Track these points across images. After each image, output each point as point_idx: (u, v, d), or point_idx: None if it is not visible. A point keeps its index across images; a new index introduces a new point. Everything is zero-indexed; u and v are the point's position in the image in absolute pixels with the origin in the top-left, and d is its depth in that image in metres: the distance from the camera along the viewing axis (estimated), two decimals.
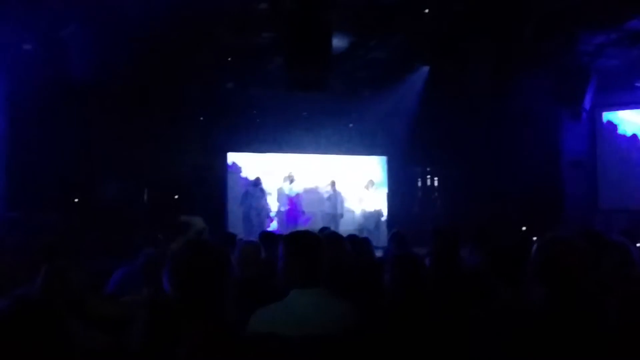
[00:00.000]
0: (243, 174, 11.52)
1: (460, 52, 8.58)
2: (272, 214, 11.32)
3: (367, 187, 11.62)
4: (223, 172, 11.32)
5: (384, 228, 11.34)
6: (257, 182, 11.09)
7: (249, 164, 11.51)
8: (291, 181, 11.24)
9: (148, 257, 3.46)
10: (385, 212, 11.77)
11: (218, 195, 11.12)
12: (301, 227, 10.30)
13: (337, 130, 11.65)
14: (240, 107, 10.94)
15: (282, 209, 11.15)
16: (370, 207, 11.64)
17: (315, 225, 10.63)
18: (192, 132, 10.78)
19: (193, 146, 10.85)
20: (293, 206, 11.21)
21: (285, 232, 4.09)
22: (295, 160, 11.61)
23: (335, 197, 11.36)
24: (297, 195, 11.29)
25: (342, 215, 11.29)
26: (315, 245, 2.66)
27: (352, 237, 4.91)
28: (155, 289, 2.66)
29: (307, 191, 11.57)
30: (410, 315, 2.86)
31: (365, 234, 9.95)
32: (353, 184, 11.78)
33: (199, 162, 11.00)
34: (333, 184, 11.39)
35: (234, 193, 11.26)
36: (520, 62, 8.71)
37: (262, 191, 11.06)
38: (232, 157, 11.48)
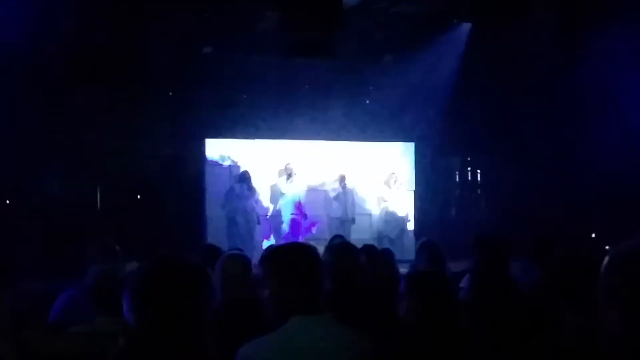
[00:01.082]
0: (226, 167, 11.59)
1: (513, 3, 8.58)
2: (266, 217, 11.38)
3: (387, 184, 11.69)
4: (200, 165, 11.39)
5: (410, 237, 11.50)
6: (244, 178, 11.13)
7: (233, 153, 11.61)
8: (289, 176, 11.24)
9: (99, 277, 3.48)
10: (411, 216, 11.90)
11: (193, 195, 11.21)
12: (305, 237, 10.77)
13: (349, 109, 11.64)
14: (221, 79, 10.96)
15: (282, 214, 11.23)
16: (392, 210, 11.74)
17: (321, 233, 11.11)
18: (159, 112, 10.82)
19: (160, 131, 10.97)
20: (293, 209, 11.29)
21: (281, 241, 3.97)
22: (294, 149, 11.71)
23: (345, 197, 11.45)
24: (298, 194, 11.38)
25: (354, 221, 11.42)
26: (315, 264, 2.72)
27: (368, 249, 4.99)
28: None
29: (310, 189, 11.65)
30: (439, 352, 2.86)
31: (385, 244, 10.10)
32: (369, 179, 11.87)
33: (167, 151, 11.16)
34: (343, 179, 11.47)
35: (214, 192, 11.32)
36: (596, 16, 8.60)
37: (251, 189, 11.12)
38: (211, 144, 11.57)
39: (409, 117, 11.78)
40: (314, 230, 11.65)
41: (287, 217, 11.41)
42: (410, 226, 12.01)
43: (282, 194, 11.53)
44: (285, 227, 11.43)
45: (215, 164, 11.63)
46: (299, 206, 11.45)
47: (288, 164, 11.45)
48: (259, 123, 11.42)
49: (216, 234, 10.71)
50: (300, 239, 10.72)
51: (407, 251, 10.14)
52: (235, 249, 5.34)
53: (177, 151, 11.15)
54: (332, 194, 11.57)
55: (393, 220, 11.71)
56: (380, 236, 11.48)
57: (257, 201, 11.46)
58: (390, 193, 11.73)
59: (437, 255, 5.38)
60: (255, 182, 11.33)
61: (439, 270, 4.15)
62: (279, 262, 2.74)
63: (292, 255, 2.75)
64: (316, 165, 11.84)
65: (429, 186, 12.06)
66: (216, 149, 11.67)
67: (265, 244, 10.65)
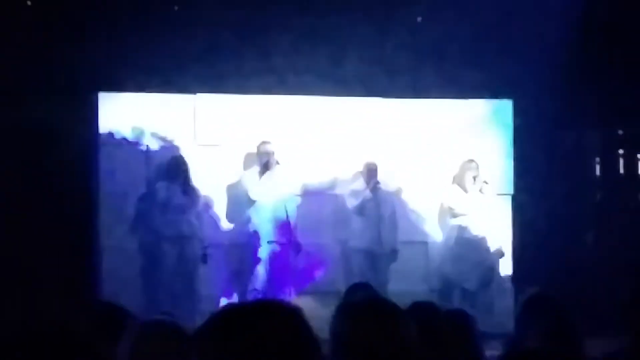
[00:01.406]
0: (140, 148, 8.90)
1: None
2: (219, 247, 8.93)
3: (461, 182, 9.08)
4: (87, 143, 8.71)
5: (504, 285, 9.08)
6: (175, 170, 8.60)
7: (154, 121, 8.95)
8: (264, 167, 8.42)
9: None
10: (507, 245, 9.19)
11: (75, 202, 8.58)
12: (300, 289, 8.62)
13: (384, 37, 9.08)
14: None
15: (253, 242, 8.73)
16: (471, 232, 9.13)
17: (331, 279, 8.63)
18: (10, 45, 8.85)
19: (17, 83, 8.76)
20: (274, 231, 8.49)
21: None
22: (276, 114, 9.10)
23: (378, 208, 8.89)
24: (282, 202, 8.51)
25: (395, 255, 8.86)
26: (302, 350, 2.26)
27: (423, 312, 3.99)
28: None
29: (307, 193, 9.01)
30: None
31: (457, 302, 8.63)
32: (425, 173, 9.31)
33: (31, 114, 8.70)
34: (372, 173, 8.88)
35: (115, 196, 8.73)
36: None
37: (190, 193, 8.57)
38: (109, 102, 8.86)
39: (501, 51, 9.12)
40: (317, 274, 8.84)
41: (263, 247, 8.64)
42: (506, 264, 9.27)
43: (251, 202, 8.69)
44: (260, 269, 8.58)
45: (119, 141, 8.73)
46: (284, 226, 8.52)
47: (263, 143, 8.63)
48: (208, 62, 8.71)
49: (119, 280, 8.27)
50: (288, 294, 8.50)
51: (498, 314, 8.42)
52: (160, 313, 4.37)
53: (48, 115, 8.46)
54: (352, 202, 8.96)
55: (472, 254, 8.95)
56: (446, 285, 9.06)
57: (202, 216, 8.71)
58: (467, 200, 9.04)
59: (562, 324, 4.17)
60: (198, 178, 8.67)
61: (568, 354, 3.55)
62: (225, 346, 2.28)
63: (254, 332, 2.28)
64: (319, 146, 9.12)
65: (542, 187, 9.08)
66: (120, 111, 8.74)
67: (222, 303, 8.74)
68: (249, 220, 8.76)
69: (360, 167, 9.05)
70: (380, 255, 8.85)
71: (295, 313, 2.38)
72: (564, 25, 9.28)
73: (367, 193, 8.92)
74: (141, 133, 8.80)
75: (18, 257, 8.62)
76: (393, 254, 8.90)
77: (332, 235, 9.15)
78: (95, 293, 8.37)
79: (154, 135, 8.81)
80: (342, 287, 6.99)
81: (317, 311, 8.07)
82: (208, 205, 8.89)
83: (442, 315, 4.46)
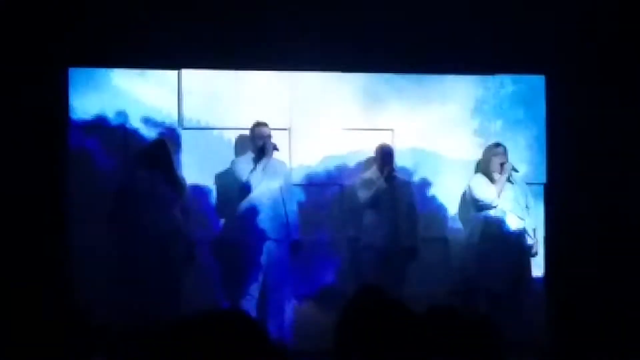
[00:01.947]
0: (116, 129, 8.12)
1: None
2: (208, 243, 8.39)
3: (487, 170, 8.29)
4: (57, 120, 7.94)
5: (536, 289, 8.34)
6: (159, 155, 7.87)
7: (132, 98, 8.14)
8: (260, 152, 7.72)
9: None
10: (539, 243, 8.35)
11: (40, 195, 7.75)
12: (302, 293, 8.15)
13: (400, 6, 8.29)
14: None
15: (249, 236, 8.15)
16: (497, 227, 8.28)
17: (339, 278, 8.08)
18: None
19: None
20: (272, 225, 7.84)
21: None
22: (272, 90, 8.30)
23: (393, 199, 8.14)
24: (279, 190, 7.95)
25: (413, 253, 8.07)
26: None
27: (441, 316, 3.79)
28: None
29: (311, 183, 8.26)
30: None
31: (481, 306, 7.97)
32: (445, 160, 8.57)
33: None
34: (386, 158, 8.11)
35: (87, 187, 7.83)
36: None
37: (175, 181, 7.80)
38: (81, 78, 8.11)
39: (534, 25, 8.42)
40: (321, 276, 8.13)
41: (258, 246, 7.95)
42: (538, 264, 8.37)
43: (244, 194, 7.81)
44: (254, 271, 7.86)
45: (92, 124, 7.91)
46: (283, 221, 7.89)
47: (258, 125, 7.83)
48: (195, 33, 7.91)
49: (92, 283, 7.42)
50: (288, 300, 7.85)
51: (528, 321, 7.80)
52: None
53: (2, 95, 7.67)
54: (364, 194, 8.15)
55: (498, 251, 8.09)
56: (470, 287, 8.19)
57: (189, 209, 7.82)
58: (493, 190, 8.19)
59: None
60: (183, 166, 7.96)
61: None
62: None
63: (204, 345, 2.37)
64: (324, 129, 8.23)
65: (579, 175, 8.18)
66: (93, 89, 7.90)
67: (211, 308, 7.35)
68: (242, 214, 7.77)
69: (373, 152, 8.29)
70: (396, 253, 8.04)
71: (252, 325, 2.35)
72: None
73: (382, 182, 8.17)
74: (118, 114, 7.78)
75: None
76: (411, 252, 8.13)
77: (340, 232, 8.35)
78: (65, 298, 7.01)
79: (132, 116, 7.81)
80: (350, 291, 6.04)
81: (321, 318, 7.35)
82: (195, 197, 7.85)
83: (462, 322, 4.03)
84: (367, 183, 8.13)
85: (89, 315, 5.23)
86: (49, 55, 7.63)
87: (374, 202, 8.10)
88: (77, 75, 7.89)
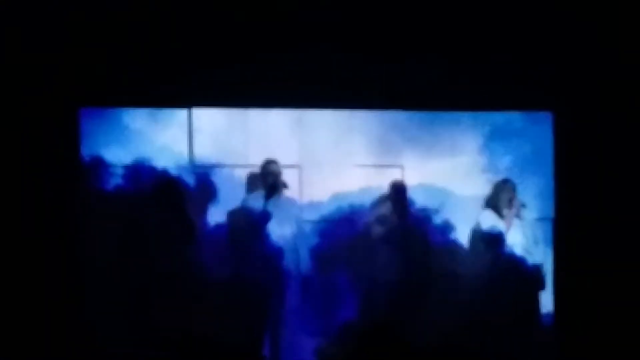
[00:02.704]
0: (127, 171, 8.01)
1: None
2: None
3: (497, 206, 8.32)
4: (68, 161, 7.93)
5: (546, 324, 8.27)
6: (166, 196, 7.84)
7: (138, 136, 8.15)
8: (271, 190, 7.73)
9: None
10: (549, 277, 8.31)
11: (52, 232, 7.67)
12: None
13: (410, 44, 8.20)
14: None
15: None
16: (509, 263, 8.27)
17: (348, 320, 7.86)
18: None
19: None
20: (288, 264, 7.92)
21: None
22: (283, 127, 8.25)
23: (406, 234, 8.17)
24: (296, 233, 8.00)
25: (426, 288, 8.04)
26: None
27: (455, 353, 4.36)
28: None
29: (323, 219, 8.19)
30: None
31: (490, 341, 7.91)
32: (457, 194, 8.39)
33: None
34: (398, 193, 8.13)
35: (98, 227, 7.72)
36: None
37: (185, 222, 7.74)
38: (92, 118, 8.05)
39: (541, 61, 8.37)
40: (334, 313, 7.99)
41: (270, 283, 7.93)
42: (547, 299, 8.32)
43: (256, 231, 7.86)
44: (268, 309, 7.88)
45: (103, 163, 7.88)
46: (295, 258, 7.90)
47: (269, 162, 7.88)
48: (205, 71, 7.89)
49: (104, 323, 7.42)
50: (300, 342, 7.85)
51: (538, 357, 8.00)
52: None
53: (13, 136, 7.61)
54: (377, 230, 8.14)
55: (507, 286, 8.13)
56: (479, 322, 7.96)
57: (200, 248, 7.74)
58: (502, 225, 8.25)
59: None
60: (194, 203, 7.83)
61: None
62: None
63: None
64: (336, 166, 8.25)
65: (587, 209, 8.16)
66: (104, 129, 7.90)
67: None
68: (253, 252, 7.72)
69: (387, 189, 8.31)
70: (409, 290, 7.98)
71: None
72: (608, 30, 8.16)
73: (395, 219, 8.27)
74: (128, 153, 7.76)
75: None
76: (423, 288, 8.09)
77: (353, 269, 8.23)
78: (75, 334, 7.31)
79: (143, 155, 7.77)
80: (363, 328, 6.58)
81: (335, 355, 7.50)
82: (206, 236, 7.77)
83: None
84: (381, 219, 8.04)
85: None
86: (59, 96, 7.58)
87: (388, 238, 8.16)
88: (88, 115, 7.75)
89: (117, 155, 7.90)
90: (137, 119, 7.88)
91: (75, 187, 7.70)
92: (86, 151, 7.80)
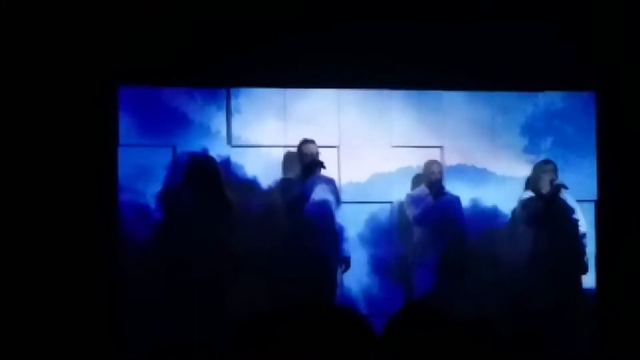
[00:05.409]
0: (164, 150, 8.01)
1: None
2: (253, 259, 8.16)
3: (536, 185, 8.20)
4: (105, 138, 7.94)
5: (589, 306, 8.22)
6: (203, 176, 7.79)
7: (176, 115, 8.11)
8: (308, 170, 7.66)
9: None
10: (592, 260, 8.26)
11: (90, 204, 7.69)
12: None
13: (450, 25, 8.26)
14: None
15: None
16: (550, 246, 8.11)
17: (383, 301, 8.09)
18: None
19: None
20: (325, 245, 7.85)
21: None
22: (321, 107, 8.17)
23: (442, 215, 8.15)
24: (332, 214, 7.89)
25: (462, 270, 8.05)
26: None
27: (486, 328, 3.97)
28: None
29: (358, 199, 8.18)
30: None
31: (531, 323, 7.76)
32: (496, 174, 8.41)
33: (39, 111, 7.85)
34: (433, 173, 8.13)
35: (135, 204, 7.90)
36: None
37: (222, 202, 7.77)
38: (130, 97, 8.09)
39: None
40: (369, 293, 8.14)
41: (306, 262, 7.86)
42: (589, 281, 8.31)
43: (292, 211, 7.80)
44: (303, 287, 7.78)
45: (140, 142, 7.88)
46: (331, 238, 7.82)
47: (306, 142, 7.82)
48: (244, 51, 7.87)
49: (141, 303, 7.47)
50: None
51: (579, 339, 7.88)
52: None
53: (50, 114, 7.54)
54: (412, 211, 8.10)
55: (548, 269, 8.03)
56: (519, 304, 8.04)
57: (236, 228, 7.76)
58: (543, 207, 8.11)
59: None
60: (231, 183, 7.79)
61: None
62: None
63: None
64: (371, 146, 8.18)
65: (630, 191, 8.13)
66: (142, 108, 7.89)
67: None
68: (290, 231, 7.69)
69: (421, 169, 8.30)
70: (445, 271, 8.01)
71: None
72: None
73: (430, 199, 8.19)
74: (166, 133, 7.78)
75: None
76: (460, 270, 8.03)
77: (389, 250, 8.23)
78: (115, 316, 7.33)
79: (181, 135, 7.79)
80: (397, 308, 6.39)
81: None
82: (243, 215, 7.72)
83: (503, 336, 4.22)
84: (416, 200, 8.10)
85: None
86: (98, 74, 7.51)
87: (423, 220, 8.12)
88: (127, 94, 7.72)
89: (155, 134, 7.87)
90: (175, 98, 7.81)
91: (112, 166, 7.70)
92: (124, 129, 7.78)
